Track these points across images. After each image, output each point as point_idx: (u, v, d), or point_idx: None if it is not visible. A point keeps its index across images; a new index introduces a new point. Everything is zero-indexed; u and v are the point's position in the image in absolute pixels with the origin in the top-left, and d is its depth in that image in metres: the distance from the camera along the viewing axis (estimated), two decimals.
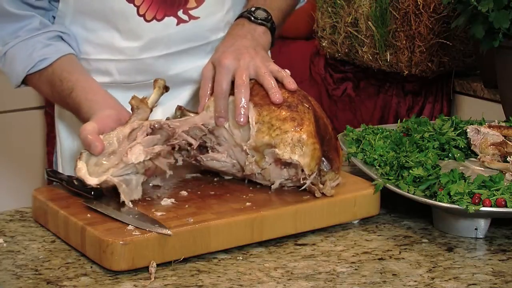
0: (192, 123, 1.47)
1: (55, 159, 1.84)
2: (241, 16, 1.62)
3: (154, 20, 1.63)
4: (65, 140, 1.77)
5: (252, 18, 1.59)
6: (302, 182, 1.42)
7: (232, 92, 1.47)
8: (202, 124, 1.47)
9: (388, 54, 3.05)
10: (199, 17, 1.68)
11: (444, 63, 3.01)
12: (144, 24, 1.63)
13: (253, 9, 1.61)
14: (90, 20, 1.64)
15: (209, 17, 1.70)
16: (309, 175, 1.41)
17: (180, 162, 1.49)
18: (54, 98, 1.64)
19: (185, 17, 1.67)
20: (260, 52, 1.52)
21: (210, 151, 1.48)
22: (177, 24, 1.66)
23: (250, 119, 1.43)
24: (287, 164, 1.42)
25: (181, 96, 1.73)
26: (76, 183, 1.42)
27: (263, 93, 1.45)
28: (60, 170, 1.76)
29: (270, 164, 1.43)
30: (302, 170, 1.41)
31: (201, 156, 1.49)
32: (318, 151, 1.42)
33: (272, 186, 1.46)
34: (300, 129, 1.41)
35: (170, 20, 1.65)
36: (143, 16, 1.62)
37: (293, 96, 1.45)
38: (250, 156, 1.44)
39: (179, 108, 1.53)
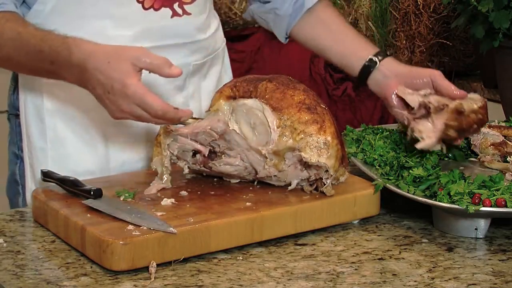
0: (200, 127, 1.44)
1: (19, 169, 1.71)
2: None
3: (152, 9, 1.63)
4: (38, 141, 1.65)
5: None
6: (324, 181, 1.42)
7: (244, 95, 1.45)
8: (210, 129, 1.44)
9: (388, 54, 3.05)
10: (191, 13, 1.68)
11: (444, 63, 3.01)
12: (141, 12, 1.61)
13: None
14: (78, 7, 1.58)
15: (198, 15, 1.70)
16: (331, 175, 1.41)
17: (186, 171, 1.48)
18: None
19: (179, 11, 1.66)
20: None
21: (222, 156, 1.46)
22: (172, 16, 1.65)
23: (270, 124, 1.42)
24: (308, 166, 1.42)
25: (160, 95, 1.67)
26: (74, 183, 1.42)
27: (278, 95, 1.44)
28: (29, 180, 1.66)
29: (289, 166, 1.43)
30: (326, 171, 1.41)
31: (213, 162, 1.46)
32: (340, 150, 1.42)
33: (289, 187, 1.45)
34: (324, 131, 1.40)
35: (166, 11, 1.65)
36: (142, 3, 1.61)
37: (309, 97, 1.44)
38: (268, 160, 1.43)
39: None
